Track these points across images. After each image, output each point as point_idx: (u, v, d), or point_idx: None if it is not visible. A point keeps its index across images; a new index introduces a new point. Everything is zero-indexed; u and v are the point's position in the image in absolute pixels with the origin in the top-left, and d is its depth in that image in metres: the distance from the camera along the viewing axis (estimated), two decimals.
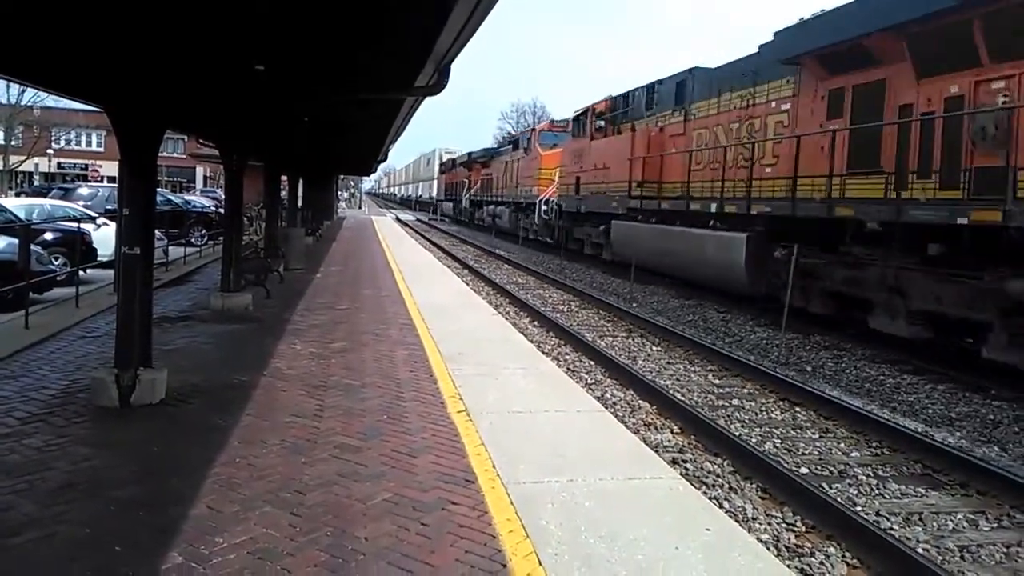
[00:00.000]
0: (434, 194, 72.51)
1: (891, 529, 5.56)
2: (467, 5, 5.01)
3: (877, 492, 6.35)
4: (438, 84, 8.11)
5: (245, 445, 5.43)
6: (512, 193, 36.91)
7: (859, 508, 5.92)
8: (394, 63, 7.75)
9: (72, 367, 7.51)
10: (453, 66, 7.71)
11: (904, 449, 7.32)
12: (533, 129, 35.09)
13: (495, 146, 53.34)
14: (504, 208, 38.39)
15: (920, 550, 5.18)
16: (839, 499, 5.98)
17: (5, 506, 4.27)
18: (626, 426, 7.03)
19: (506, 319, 12.81)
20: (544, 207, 29.52)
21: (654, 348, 12.10)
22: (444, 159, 67.44)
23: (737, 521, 5.32)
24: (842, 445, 7.54)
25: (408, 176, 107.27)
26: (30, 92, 46.33)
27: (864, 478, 6.62)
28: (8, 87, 47.78)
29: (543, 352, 10.29)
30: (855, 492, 6.33)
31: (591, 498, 4.70)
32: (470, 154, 52.49)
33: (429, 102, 10.99)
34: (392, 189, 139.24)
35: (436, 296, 13.73)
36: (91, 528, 4.05)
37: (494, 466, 5.17)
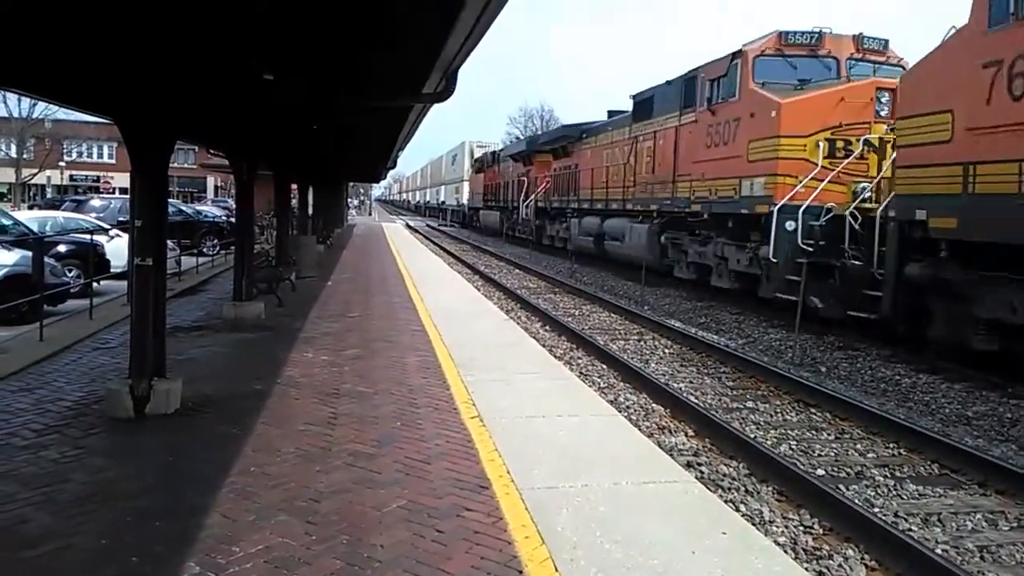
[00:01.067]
0: (464, 199, 57.20)
1: (909, 530, 5.51)
2: (473, 11, 5.02)
3: (895, 493, 6.30)
4: (446, 91, 8.12)
5: (259, 454, 5.44)
6: (655, 194, 19.72)
7: (877, 509, 5.87)
8: (402, 70, 7.78)
9: (87, 379, 7.55)
10: (460, 72, 7.72)
11: (921, 449, 7.26)
12: (736, 53, 15.69)
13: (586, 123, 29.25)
14: (633, 226, 20.98)
15: (939, 551, 5.13)
16: (856, 501, 5.94)
17: (22, 518, 4.29)
18: (640, 430, 7.01)
19: (518, 324, 12.82)
20: (813, 222, 13.15)
21: (667, 351, 12.06)
22: (478, 154, 52.23)
23: (754, 524, 5.28)
24: (858, 446, 7.48)
25: (424, 180, 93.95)
26: (41, 105, 46.74)
27: (881, 479, 6.58)
28: (19, 101, 48.27)
29: (555, 356, 10.28)
30: (872, 493, 6.28)
31: (606, 502, 4.68)
32: (530, 140, 38.42)
33: (434, 109, 11.02)
34: (404, 195, 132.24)
35: (447, 302, 13.74)
36: (108, 539, 4.07)
37: (508, 472, 5.16)
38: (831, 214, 13.12)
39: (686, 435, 7.74)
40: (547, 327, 13.94)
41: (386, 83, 8.92)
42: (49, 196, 50.72)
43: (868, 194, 13.15)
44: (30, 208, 35.83)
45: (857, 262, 12.35)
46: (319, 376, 7.85)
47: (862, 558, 5.11)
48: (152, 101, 6.22)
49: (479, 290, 17.83)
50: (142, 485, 4.83)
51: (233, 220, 20.24)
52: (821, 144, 13.68)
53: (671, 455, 6.38)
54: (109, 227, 17.42)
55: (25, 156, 54.11)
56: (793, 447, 7.44)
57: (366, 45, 6.94)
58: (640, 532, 4.27)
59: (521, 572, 3.82)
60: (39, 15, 5.04)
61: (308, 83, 8.51)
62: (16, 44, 5.36)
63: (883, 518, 5.56)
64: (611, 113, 26.39)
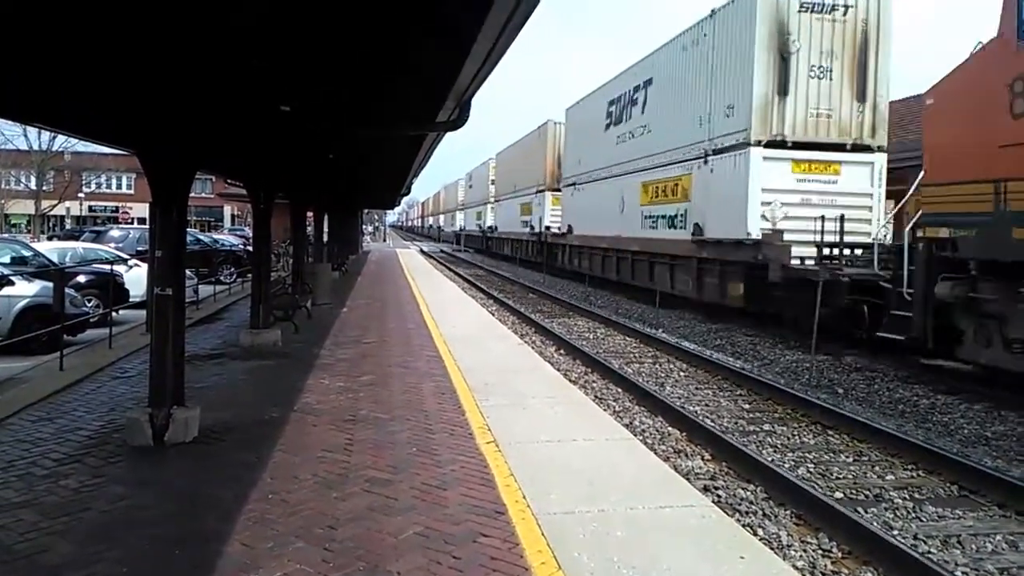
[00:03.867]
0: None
1: (929, 553, 5.46)
2: (486, 43, 5.11)
3: (913, 515, 6.25)
4: (459, 119, 8.24)
5: (277, 481, 5.48)
6: None
7: (896, 532, 5.83)
8: (416, 100, 7.90)
9: (107, 407, 7.63)
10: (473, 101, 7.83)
11: (940, 471, 7.20)
12: None
13: None
14: None
15: (959, 573, 5.09)
16: (875, 523, 5.90)
17: (44, 547, 4.33)
18: (656, 453, 6.99)
19: (532, 348, 12.82)
20: None
21: (682, 374, 12.04)
22: None
23: (772, 548, 5.26)
24: (877, 468, 7.43)
25: (476, 189, 58.78)
26: (60, 138, 47.36)
27: (900, 501, 6.53)
28: (39, 134, 48.97)
29: (570, 380, 10.27)
30: (891, 516, 6.23)
31: (623, 527, 4.67)
32: None
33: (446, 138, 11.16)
34: (428, 219, 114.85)
35: (462, 327, 13.78)
36: (128, 567, 4.10)
37: (524, 497, 5.16)
38: None
39: (703, 458, 7.71)
40: (561, 351, 13.95)
41: (400, 113, 9.05)
42: (68, 227, 51.32)
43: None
44: (50, 239, 36.27)
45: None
46: (335, 402, 7.90)
47: None
48: (174, 134, 6.35)
49: (493, 315, 17.87)
50: (162, 513, 4.87)
51: (250, 248, 20.44)
52: None
53: (688, 479, 6.36)
54: (128, 257, 17.63)
55: (45, 188, 54.75)
56: (811, 470, 7.40)
57: (381, 76, 7.05)
58: (657, 557, 4.26)
59: None
60: (66, 57, 5.18)
61: (324, 114, 8.65)
62: (44, 84, 5.51)
63: (902, 541, 5.51)
64: None
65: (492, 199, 51.51)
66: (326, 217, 27.09)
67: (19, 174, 55.02)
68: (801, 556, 5.45)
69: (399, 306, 17.60)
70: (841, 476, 7.24)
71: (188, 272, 13.50)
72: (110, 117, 6.61)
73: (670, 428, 8.73)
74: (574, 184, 29.49)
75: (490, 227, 51.58)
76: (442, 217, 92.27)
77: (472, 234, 61.43)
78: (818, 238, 14.22)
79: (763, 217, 15.64)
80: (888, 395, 10.65)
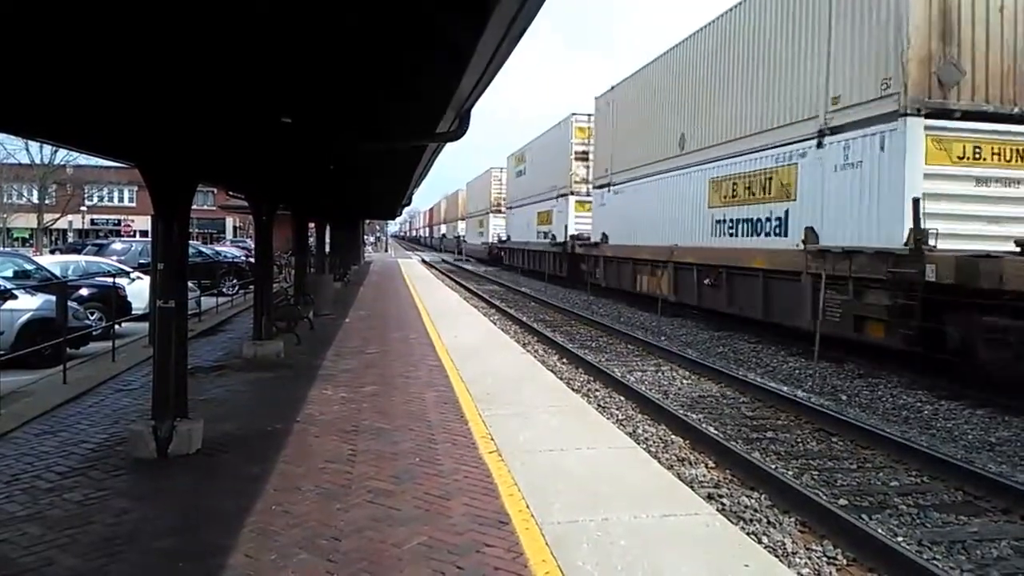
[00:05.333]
0: None
1: (934, 560, 5.45)
2: (484, 56, 5.12)
3: (918, 521, 6.24)
4: (459, 130, 8.23)
5: (280, 492, 5.48)
6: None
7: (900, 539, 5.81)
8: (416, 111, 7.90)
9: (110, 420, 7.64)
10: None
11: (944, 476, 7.19)
12: None
13: None
14: None
15: None
16: (880, 530, 5.88)
17: (48, 560, 4.34)
18: (659, 462, 6.98)
19: (535, 357, 12.81)
20: None
21: (685, 381, 12.02)
22: None
23: (776, 556, 5.25)
24: (881, 475, 7.42)
25: (559, 168, 32.41)
26: (62, 152, 47.44)
27: (905, 508, 6.51)
28: (40, 148, 49.12)
29: (573, 389, 10.26)
30: (896, 522, 6.22)
31: (627, 536, 4.67)
32: None
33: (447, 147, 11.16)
34: (439, 228, 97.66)
35: (464, 337, 13.77)
36: None
37: (528, 506, 5.16)
38: None
39: (706, 466, 7.70)
40: (564, 359, 13.94)
41: (400, 124, 9.06)
42: (71, 240, 51.37)
43: None
44: (52, 252, 36.29)
45: None
46: (338, 413, 7.89)
47: None
48: (176, 147, 6.38)
49: (495, 324, 17.87)
50: (165, 526, 4.87)
51: (251, 260, 20.47)
52: None
53: (691, 487, 6.35)
54: (130, 270, 17.65)
55: (47, 201, 54.87)
56: (815, 477, 7.38)
57: (381, 86, 7.07)
58: (662, 566, 4.26)
59: None
60: (68, 70, 5.21)
61: (324, 126, 8.67)
62: (45, 98, 5.54)
63: (907, 547, 5.51)
64: None
65: (587, 184, 30.09)
66: (328, 228, 27.11)
67: (21, 188, 55.15)
68: (806, 563, 5.44)
69: (400, 315, 17.60)
70: (845, 483, 7.23)
71: (190, 284, 13.53)
72: (112, 130, 6.63)
73: (673, 436, 8.72)
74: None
75: (578, 235, 29.90)
76: (461, 225, 70.72)
77: (527, 248, 38.60)
78: None
79: None
80: (891, 401, 10.63)
